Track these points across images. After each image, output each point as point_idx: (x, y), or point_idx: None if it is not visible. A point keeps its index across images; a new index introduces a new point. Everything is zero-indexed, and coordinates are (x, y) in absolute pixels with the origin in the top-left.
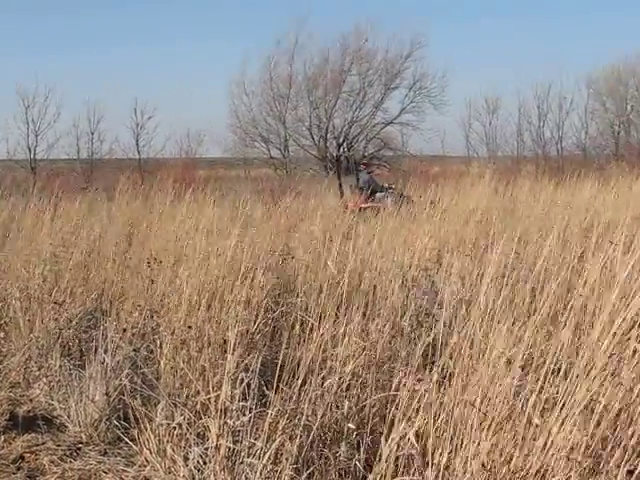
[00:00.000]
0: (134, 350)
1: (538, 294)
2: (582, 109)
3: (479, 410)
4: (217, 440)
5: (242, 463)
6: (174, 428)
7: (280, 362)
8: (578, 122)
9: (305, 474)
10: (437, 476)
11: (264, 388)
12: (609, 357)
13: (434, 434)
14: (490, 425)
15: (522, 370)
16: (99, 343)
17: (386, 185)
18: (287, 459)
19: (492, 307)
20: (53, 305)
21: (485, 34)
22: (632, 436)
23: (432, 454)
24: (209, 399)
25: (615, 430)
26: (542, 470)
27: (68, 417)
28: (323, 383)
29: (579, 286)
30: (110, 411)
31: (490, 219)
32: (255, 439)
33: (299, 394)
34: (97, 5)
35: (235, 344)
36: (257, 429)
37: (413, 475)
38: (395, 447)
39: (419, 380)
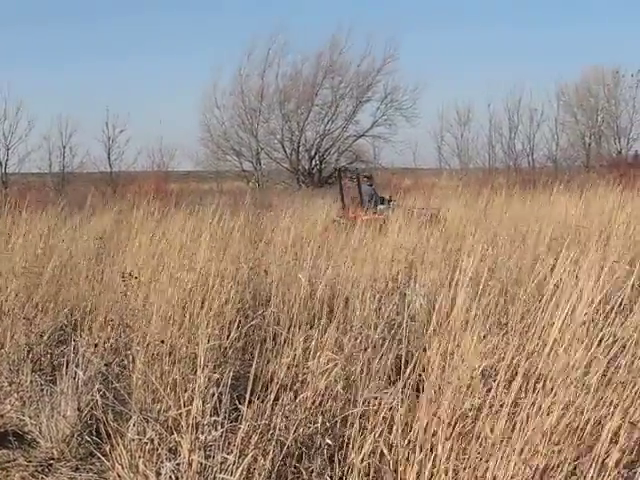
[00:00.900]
0: (106, 365)
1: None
2: (553, 121)
3: (449, 424)
4: (189, 455)
5: (215, 478)
6: (146, 443)
7: (252, 376)
8: (549, 134)
9: None
10: None
11: (237, 402)
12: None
13: (404, 447)
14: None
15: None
16: (70, 358)
17: (387, 197)
18: (260, 474)
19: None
20: (24, 320)
21: (457, 46)
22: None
23: (404, 467)
24: (180, 414)
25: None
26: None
27: (39, 433)
28: (296, 397)
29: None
30: (82, 426)
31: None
32: (227, 454)
33: (272, 408)
34: (69, 20)
35: (205, 359)
36: (229, 444)
37: None
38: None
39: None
